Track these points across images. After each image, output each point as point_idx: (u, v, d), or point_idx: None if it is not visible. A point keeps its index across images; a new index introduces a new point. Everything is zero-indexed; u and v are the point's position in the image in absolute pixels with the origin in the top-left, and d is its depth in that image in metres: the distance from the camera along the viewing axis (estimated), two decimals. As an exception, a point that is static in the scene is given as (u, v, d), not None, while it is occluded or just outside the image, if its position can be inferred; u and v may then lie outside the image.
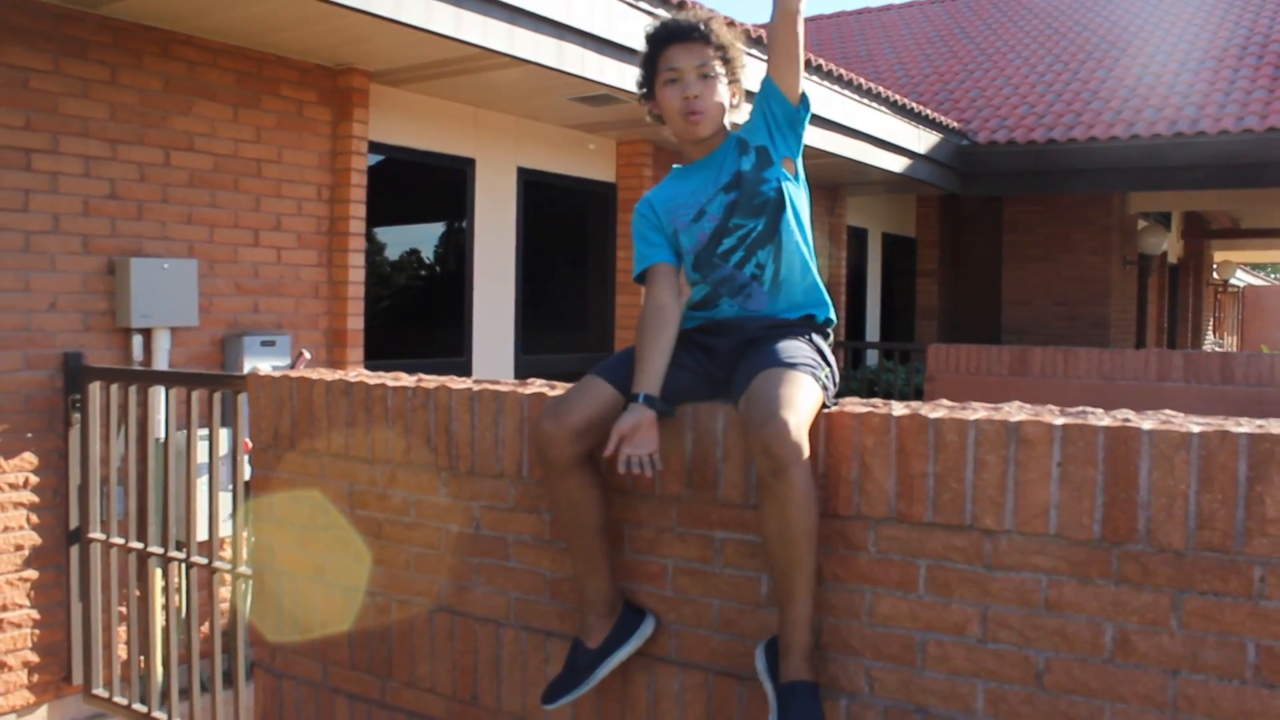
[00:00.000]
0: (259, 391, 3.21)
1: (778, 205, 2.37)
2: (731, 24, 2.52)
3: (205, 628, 4.40)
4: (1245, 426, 1.84)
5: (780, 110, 2.38)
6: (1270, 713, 1.75)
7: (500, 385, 2.76)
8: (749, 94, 2.49)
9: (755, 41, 7.03)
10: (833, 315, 2.43)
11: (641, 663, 2.44)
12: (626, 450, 2.18)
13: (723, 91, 2.40)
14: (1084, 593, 1.91)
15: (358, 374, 3.14)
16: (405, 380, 2.97)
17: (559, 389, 2.64)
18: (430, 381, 2.91)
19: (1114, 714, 1.89)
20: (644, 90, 2.47)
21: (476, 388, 2.74)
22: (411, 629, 2.88)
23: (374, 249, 6.05)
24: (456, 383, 2.85)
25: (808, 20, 18.91)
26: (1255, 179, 9.79)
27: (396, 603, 2.91)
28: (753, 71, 2.44)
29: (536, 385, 2.73)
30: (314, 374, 3.14)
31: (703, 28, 2.36)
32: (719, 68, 2.38)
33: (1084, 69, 12.38)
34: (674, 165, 2.56)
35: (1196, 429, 1.84)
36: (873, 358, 11.35)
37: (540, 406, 2.57)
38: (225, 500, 4.16)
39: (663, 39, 2.40)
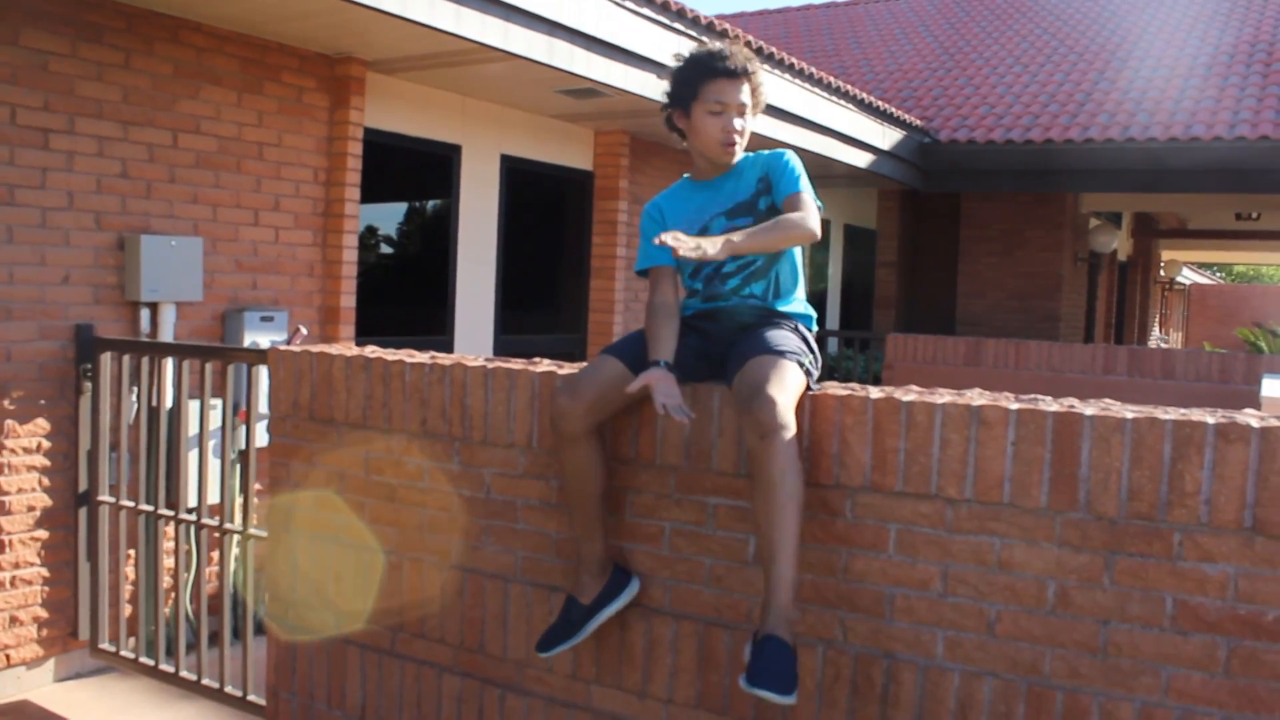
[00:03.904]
0: (279, 365, 3.45)
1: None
2: (759, 52, 2.82)
3: (213, 586, 4.63)
4: (1171, 414, 2.16)
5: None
6: (1182, 655, 2.08)
7: (512, 364, 3.04)
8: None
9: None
10: (814, 326, 2.71)
11: (639, 613, 2.73)
12: (661, 398, 2.39)
13: (750, 123, 2.68)
14: (1031, 554, 2.22)
15: (374, 350, 3.40)
16: (420, 357, 3.23)
17: (567, 368, 2.92)
18: (445, 359, 3.17)
19: (1054, 658, 2.20)
20: (675, 104, 2.68)
21: (490, 365, 3.01)
22: (422, 584, 3.15)
23: (363, 230, 6.26)
24: (471, 360, 3.12)
25: (775, 13, 19.17)
26: (1208, 185, 10.23)
27: (409, 561, 3.17)
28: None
29: (546, 364, 3.01)
30: (333, 350, 3.38)
31: (749, 68, 2.62)
32: (749, 101, 2.65)
33: (1042, 72, 12.77)
34: (685, 174, 2.82)
35: (1130, 415, 2.15)
36: (833, 345, 11.72)
37: (549, 384, 2.84)
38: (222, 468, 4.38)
39: (715, 71, 2.61)
